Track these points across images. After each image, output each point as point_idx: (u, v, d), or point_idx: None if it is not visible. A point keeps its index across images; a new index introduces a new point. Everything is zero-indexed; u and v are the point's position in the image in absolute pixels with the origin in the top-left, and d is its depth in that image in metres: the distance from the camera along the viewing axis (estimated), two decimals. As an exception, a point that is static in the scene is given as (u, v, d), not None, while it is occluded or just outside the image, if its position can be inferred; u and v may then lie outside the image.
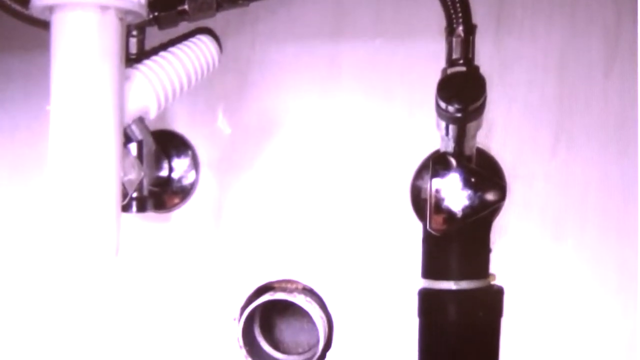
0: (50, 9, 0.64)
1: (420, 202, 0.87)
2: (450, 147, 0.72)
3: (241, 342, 0.93)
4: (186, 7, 0.76)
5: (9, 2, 0.73)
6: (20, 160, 0.99)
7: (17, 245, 1.00)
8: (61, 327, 0.98)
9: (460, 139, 0.71)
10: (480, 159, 0.77)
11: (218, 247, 0.95)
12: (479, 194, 0.71)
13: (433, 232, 0.72)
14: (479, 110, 0.69)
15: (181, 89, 0.75)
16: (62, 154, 0.64)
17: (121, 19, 0.65)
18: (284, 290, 0.92)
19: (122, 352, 0.98)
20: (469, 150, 0.73)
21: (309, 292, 0.92)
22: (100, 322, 0.98)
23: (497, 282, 0.77)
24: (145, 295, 0.97)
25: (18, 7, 0.73)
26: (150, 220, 0.95)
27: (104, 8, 0.63)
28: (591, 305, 0.84)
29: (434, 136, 0.75)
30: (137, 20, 0.69)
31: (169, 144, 0.94)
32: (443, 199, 0.71)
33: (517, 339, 0.85)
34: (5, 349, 1.01)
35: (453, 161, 0.72)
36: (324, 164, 0.91)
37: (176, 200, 0.94)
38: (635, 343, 0.84)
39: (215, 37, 0.80)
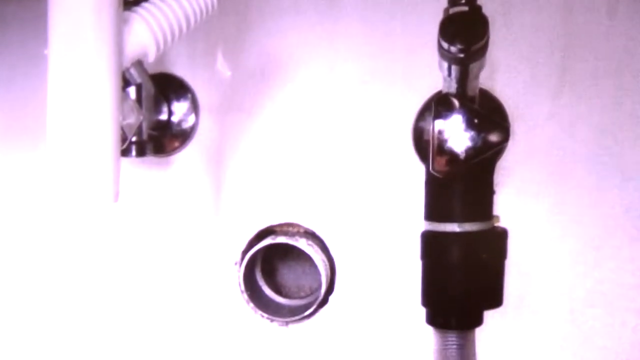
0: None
1: (422, 143, 0.87)
2: (452, 88, 0.72)
3: (242, 287, 0.95)
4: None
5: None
6: (18, 106, 1.00)
7: (17, 193, 1.02)
8: (64, 275, 1.00)
9: (463, 79, 0.71)
10: (483, 100, 0.77)
11: (218, 191, 0.95)
12: (482, 135, 0.72)
13: (436, 174, 0.73)
14: (482, 51, 0.69)
15: (180, 31, 0.75)
16: (60, 99, 0.65)
17: (119, -39, 0.65)
18: (285, 234, 0.94)
19: (122, 297, 1.00)
20: (471, 91, 0.73)
21: (310, 235, 0.94)
22: (101, 267, 1.00)
23: (500, 224, 0.78)
24: (145, 239, 0.98)
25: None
26: (149, 165, 0.96)
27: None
28: (596, 247, 0.86)
29: (437, 77, 0.75)
30: (135, -38, 0.69)
31: (168, 87, 0.94)
32: (446, 141, 0.72)
33: (521, 281, 0.87)
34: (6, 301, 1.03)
35: (456, 102, 0.72)
36: (325, 105, 0.91)
37: (176, 144, 0.95)
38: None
39: (214, -22, 0.80)
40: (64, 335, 1.01)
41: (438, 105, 0.72)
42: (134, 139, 0.83)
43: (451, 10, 0.71)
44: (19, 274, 1.02)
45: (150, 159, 0.94)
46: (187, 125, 0.94)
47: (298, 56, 0.91)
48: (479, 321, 0.78)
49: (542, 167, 0.86)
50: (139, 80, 0.81)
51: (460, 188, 0.74)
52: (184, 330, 0.98)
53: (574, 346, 0.88)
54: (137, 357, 1.00)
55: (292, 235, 0.93)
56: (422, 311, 0.78)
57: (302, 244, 0.91)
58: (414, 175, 0.86)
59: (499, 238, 0.78)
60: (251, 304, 0.95)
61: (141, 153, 0.85)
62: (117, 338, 1.00)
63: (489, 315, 0.79)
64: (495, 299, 0.78)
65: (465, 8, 0.70)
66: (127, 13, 0.71)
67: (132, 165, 0.95)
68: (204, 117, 0.94)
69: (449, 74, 0.71)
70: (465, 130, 0.71)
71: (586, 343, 0.87)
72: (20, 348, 1.03)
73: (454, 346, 0.77)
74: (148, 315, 0.99)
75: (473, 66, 0.70)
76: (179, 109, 0.94)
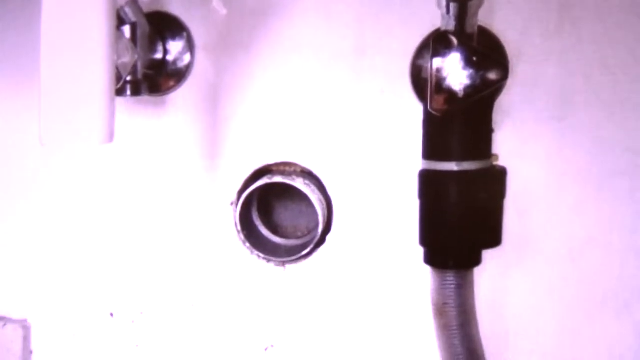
0: None
1: (421, 82, 0.89)
2: (451, 25, 0.74)
3: (239, 227, 0.97)
4: None
5: None
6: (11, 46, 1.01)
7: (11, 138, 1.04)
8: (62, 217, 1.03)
9: (462, 16, 0.73)
10: (482, 37, 0.78)
11: (214, 131, 0.97)
12: (480, 73, 0.73)
13: (434, 112, 0.75)
14: (480, -13, 0.71)
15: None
16: (53, 37, 0.66)
17: None
18: (282, 173, 0.95)
19: (117, 238, 1.02)
20: (470, 28, 0.74)
21: (307, 174, 0.95)
22: (98, 209, 1.02)
23: (500, 163, 0.80)
24: (140, 180, 1.00)
25: None
26: (145, 104, 0.97)
27: None
28: (596, 187, 0.88)
29: (435, 14, 0.76)
30: None
31: (163, 25, 0.95)
32: (444, 79, 0.73)
33: (520, 221, 0.89)
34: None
35: (454, 40, 0.74)
36: (322, 43, 0.93)
37: (171, 83, 0.96)
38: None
39: None
40: (57, 277, 1.05)
41: (436, 43, 0.74)
42: (128, 78, 0.85)
43: (449, -54, 0.72)
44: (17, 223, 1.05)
45: (145, 99, 0.95)
46: (182, 64, 0.95)
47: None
48: (477, 261, 0.80)
49: (542, 105, 0.88)
50: (133, 19, 0.82)
51: (459, 127, 0.76)
52: (180, 271, 1.01)
53: (573, 286, 0.91)
54: (132, 297, 1.03)
55: (289, 174, 0.95)
56: (420, 251, 0.81)
57: (299, 183, 0.93)
58: (412, 114, 0.88)
59: (497, 177, 0.80)
60: (247, 244, 0.97)
61: (136, 92, 0.86)
62: (111, 279, 1.03)
63: (487, 254, 0.81)
64: (494, 238, 0.80)
65: (464, -57, 0.72)
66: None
67: (127, 104, 0.96)
68: (199, 56, 0.95)
69: (447, 11, 0.73)
70: (464, 68, 0.73)
71: (586, 283, 0.90)
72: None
73: (452, 286, 0.79)
74: (144, 257, 1.02)
75: (472, 3, 0.72)
76: (175, 48, 0.95)
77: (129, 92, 0.86)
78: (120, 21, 0.81)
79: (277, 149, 0.96)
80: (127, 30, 0.83)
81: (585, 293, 0.91)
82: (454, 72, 0.73)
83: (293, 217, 1.03)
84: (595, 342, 0.92)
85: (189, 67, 0.95)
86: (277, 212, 1.03)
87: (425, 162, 0.79)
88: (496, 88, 0.76)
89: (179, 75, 0.96)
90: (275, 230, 1.02)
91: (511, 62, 0.86)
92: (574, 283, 0.91)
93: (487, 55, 0.74)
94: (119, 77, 0.79)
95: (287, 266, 0.98)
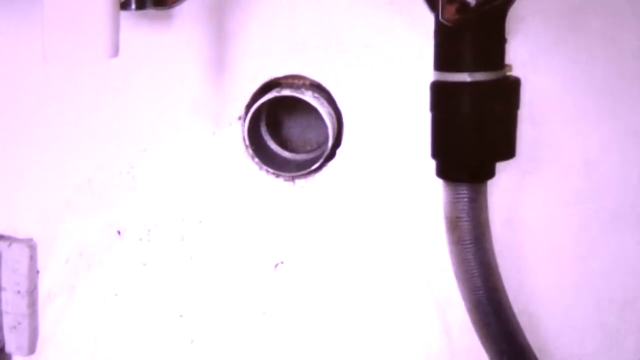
0: None
1: (431, -9, 0.90)
2: None
3: (247, 142, 0.99)
4: None
5: None
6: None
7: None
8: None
9: None
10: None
11: (221, 44, 0.98)
12: (493, -19, 0.75)
13: (445, 22, 0.77)
14: None
15: None
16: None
17: None
18: (290, 86, 0.97)
19: (124, 154, 1.05)
20: None
21: (316, 87, 0.97)
22: (102, 123, 1.05)
23: (513, 73, 0.81)
24: (145, 95, 1.02)
25: None
26: (149, 18, 0.98)
27: None
28: (611, 97, 0.90)
29: None
30: None
31: None
32: (456, -13, 0.75)
33: (534, 132, 0.91)
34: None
35: (466, -53, 0.75)
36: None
37: (177, -5, 0.97)
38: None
39: None
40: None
41: (447, -49, 0.75)
42: (133, -9, 0.86)
43: None
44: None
45: (150, 12, 0.96)
46: (187, -25, 0.96)
47: None
48: (491, 173, 0.82)
49: (556, 14, 0.89)
50: None
51: (471, 36, 0.77)
52: (187, 188, 1.04)
53: (589, 198, 0.92)
54: (140, 215, 1.06)
55: (298, 87, 0.96)
56: (433, 164, 0.83)
57: (307, 96, 0.95)
58: (423, 24, 0.87)
59: (511, 87, 0.81)
60: (256, 159, 0.99)
61: (141, 6, 0.88)
62: (118, 196, 1.06)
63: (501, 166, 0.83)
64: (507, 150, 0.82)
65: None
66: None
67: (132, 19, 0.97)
68: (204, -34, 0.97)
69: None
70: (476, -25, 0.74)
71: (600, 195, 0.92)
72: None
73: (465, 199, 0.81)
74: (151, 173, 1.04)
75: None
76: (179, -41, 0.96)
77: (133, 6, 0.87)
78: None
79: (286, 62, 0.96)
80: (131, -59, 0.84)
81: (601, 205, 0.92)
82: (466, -20, 0.74)
83: (302, 131, 1.05)
84: (611, 255, 0.94)
85: (194, -22, 0.96)
86: (286, 127, 1.05)
87: (436, 73, 0.80)
88: (509, -4, 0.77)
89: (184, -14, 0.97)
90: (284, 145, 1.05)
91: (524, -30, 0.87)
92: (590, 195, 0.92)
93: (500, -38, 0.76)
94: (123, -10, 0.80)
95: (297, 181, 1.00)
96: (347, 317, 1.03)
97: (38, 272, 1.11)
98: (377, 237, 0.99)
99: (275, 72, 0.97)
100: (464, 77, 0.77)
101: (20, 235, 1.10)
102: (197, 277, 1.07)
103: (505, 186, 0.92)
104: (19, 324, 1.11)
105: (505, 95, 0.80)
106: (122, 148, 1.04)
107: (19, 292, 1.09)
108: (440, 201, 0.83)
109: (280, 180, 1.01)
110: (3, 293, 1.10)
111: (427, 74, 0.81)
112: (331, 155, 0.98)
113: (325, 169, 0.99)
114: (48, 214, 1.08)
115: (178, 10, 0.97)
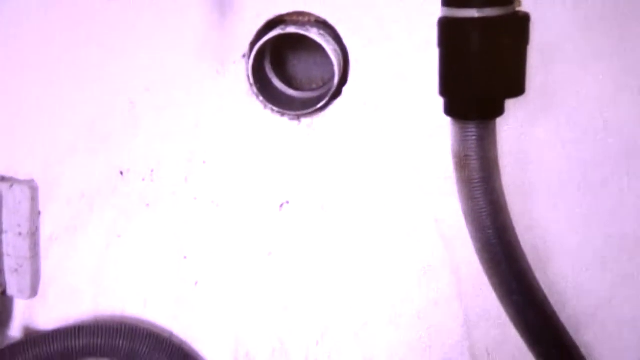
0: None
1: None
2: None
3: (251, 80, 0.99)
4: None
5: None
6: None
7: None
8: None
9: None
10: None
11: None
12: None
13: (454, -43, 0.77)
14: None
15: None
16: None
17: None
18: (295, 23, 0.97)
19: (128, 92, 1.06)
20: None
21: (322, 24, 0.97)
22: (107, 64, 1.05)
23: (522, 8, 0.81)
24: (149, 35, 1.03)
25: None
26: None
27: None
28: (623, 34, 0.90)
29: None
30: None
31: None
32: None
33: (545, 70, 0.91)
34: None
35: None
36: None
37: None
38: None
39: None
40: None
41: None
42: None
43: None
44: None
45: None
46: None
47: None
48: (500, 111, 0.83)
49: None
50: None
51: (479, -29, 0.78)
52: (191, 128, 1.05)
53: (600, 137, 0.93)
54: (143, 155, 1.08)
55: (303, 24, 0.97)
56: (441, 101, 0.83)
57: (313, 33, 0.95)
58: None
59: (520, 23, 0.81)
60: (261, 98, 1.00)
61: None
62: (121, 136, 1.08)
63: (510, 104, 0.85)
64: (517, 87, 0.82)
65: None
66: None
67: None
68: None
69: None
70: None
71: (612, 132, 0.93)
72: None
73: (474, 137, 0.82)
74: (154, 113, 1.06)
75: None
76: None
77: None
78: None
79: (291, -2, 0.97)
80: None
81: (613, 144, 0.93)
82: None
83: (307, 69, 1.05)
84: (622, 192, 0.95)
85: None
86: (291, 64, 1.06)
87: (444, 9, 0.80)
88: None
89: None
90: (289, 83, 1.05)
91: None
92: (601, 133, 0.93)
93: None
94: None
95: (302, 120, 1.01)
96: (353, 257, 1.05)
97: (40, 213, 1.12)
98: (384, 175, 1.01)
99: (280, 9, 0.97)
100: (473, 12, 0.78)
101: (21, 176, 1.12)
102: (202, 218, 1.08)
103: (514, 124, 0.93)
104: (21, 266, 1.13)
105: (514, 30, 0.80)
106: (124, 87, 1.05)
107: (20, 234, 1.11)
108: (448, 139, 0.84)
109: (286, 119, 1.01)
110: (4, 235, 1.12)
111: (435, 9, 0.81)
112: (337, 93, 0.99)
113: (331, 107, 1.00)
114: (49, 155, 1.10)
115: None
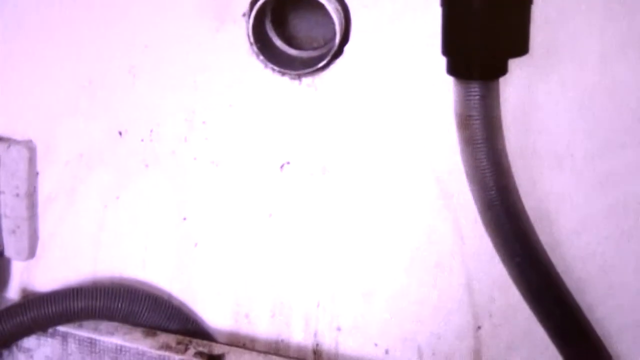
0: None
1: None
2: None
3: (251, 39, 0.99)
4: None
5: None
6: None
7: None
8: None
9: None
10: None
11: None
12: None
13: None
14: None
15: None
16: None
17: None
18: None
19: (125, 55, 1.06)
20: None
21: None
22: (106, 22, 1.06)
23: None
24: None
25: None
26: None
27: None
28: None
29: None
30: None
31: None
32: None
33: (549, 29, 0.91)
34: None
35: None
36: None
37: None
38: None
39: None
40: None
41: None
42: None
43: None
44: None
45: None
46: None
47: None
48: (503, 70, 0.83)
49: None
50: None
51: None
52: (190, 88, 1.05)
53: (606, 97, 0.93)
54: (141, 115, 1.08)
55: None
56: (443, 61, 0.84)
57: None
58: None
59: None
60: (261, 57, 1.00)
61: None
62: (120, 95, 1.08)
63: (514, 63, 0.85)
64: (520, 46, 0.83)
65: None
66: None
67: None
68: None
69: None
70: None
71: (617, 93, 0.93)
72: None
73: (477, 97, 0.82)
74: (152, 73, 1.06)
75: None
76: None
77: None
78: None
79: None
80: None
81: (618, 102, 0.92)
82: None
83: (309, 28, 1.05)
84: (628, 153, 0.94)
85: None
86: (292, 23, 1.05)
87: None
88: None
89: None
90: (290, 42, 1.05)
91: None
92: (607, 93, 0.92)
93: None
94: None
95: (303, 79, 1.01)
96: (354, 218, 1.05)
97: (37, 174, 1.13)
98: (386, 135, 1.01)
99: (281, -33, 0.97)
100: (476, -30, 0.78)
101: (19, 136, 1.12)
102: (201, 178, 1.09)
103: (518, 83, 0.93)
104: (18, 227, 1.14)
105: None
106: (123, 47, 1.06)
107: (17, 195, 1.12)
108: (451, 99, 0.85)
109: (286, 78, 1.02)
110: (2, 196, 1.13)
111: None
112: (338, 52, 0.99)
113: (332, 67, 1.00)
114: (47, 115, 1.11)
115: None
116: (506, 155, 0.86)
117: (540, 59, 0.92)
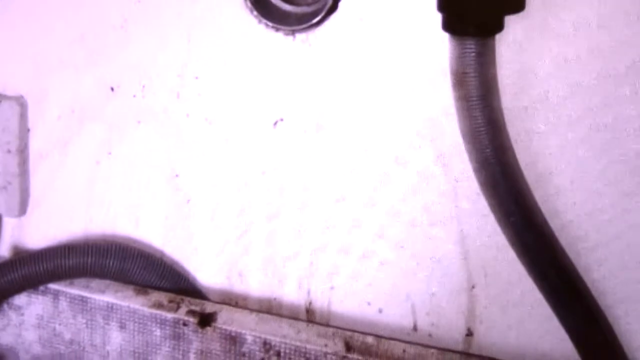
0: None
1: None
2: None
3: None
4: None
5: None
6: None
7: None
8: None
9: None
10: None
11: None
12: None
13: None
14: None
15: None
16: None
17: None
18: None
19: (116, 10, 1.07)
20: None
21: None
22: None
23: None
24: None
25: None
26: None
27: None
28: None
29: None
30: None
31: None
32: None
33: None
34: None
35: None
36: None
37: None
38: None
39: None
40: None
41: None
42: None
43: None
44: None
45: None
46: None
47: None
48: (499, 26, 0.83)
49: None
50: None
51: None
52: (182, 43, 1.06)
53: (603, 55, 0.93)
54: (133, 70, 1.09)
55: None
56: (439, 17, 0.84)
57: None
58: None
59: None
60: (255, 13, 1.01)
61: None
62: (112, 50, 1.09)
63: (510, 20, 0.85)
64: (517, 2, 0.83)
65: None
66: None
67: None
68: None
69: None
70: None
71: (616, 50, 0.92)
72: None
73: (473, 54, 0.82)
74: (144, 25, 1.07)
75: None
76: None
77: None
78: None
79: None
80: None
81: (616, 60, 0.92)
82: None
83: (303, -17, 1.05)
84: (626, 111, 0.94)
85: None
86: (286, -22, 1.05)
87: None
88: None
89: None
90: (284, -3, 1.05)
91: None
92: (604, 51, 0.92)
93: None
94: None
95: (297, 35, 1.01)
96: (348, 175, 1.06)
97: (29, 130, 1.14)
98: (380, 92, 1.01)
99: None
100: None
101: (10, 92, 1.13)
102: (194, 135, 1.10)
103: (514, 40, 0.94)
104: (9, 184, 1.15)
105: None
106: (115, 0, 1.06)
107: (9, 151, 1.13)
108: (446, 56, 0.85)
109: (280, 34, 1.02)
110: (-7, 153, 1.14)
111: None
112: (333, 7, 0.99)
113: (326, 23, 1.00)
114: (39, 70, 1.11)
115: None
116: (502, 114, 0.87)
117: (537, 15, 0.92)
